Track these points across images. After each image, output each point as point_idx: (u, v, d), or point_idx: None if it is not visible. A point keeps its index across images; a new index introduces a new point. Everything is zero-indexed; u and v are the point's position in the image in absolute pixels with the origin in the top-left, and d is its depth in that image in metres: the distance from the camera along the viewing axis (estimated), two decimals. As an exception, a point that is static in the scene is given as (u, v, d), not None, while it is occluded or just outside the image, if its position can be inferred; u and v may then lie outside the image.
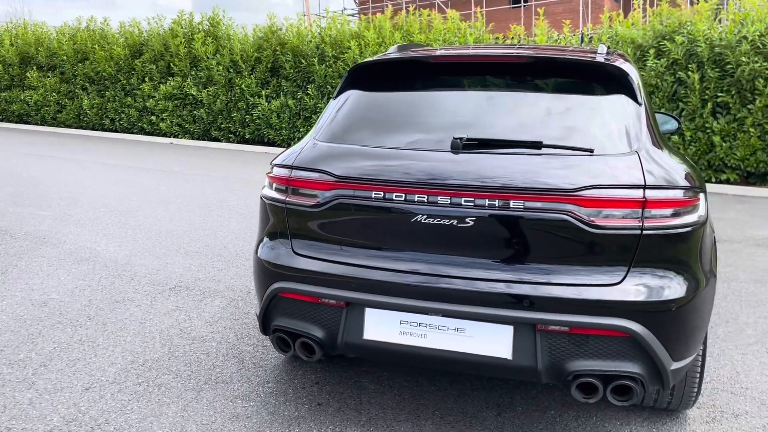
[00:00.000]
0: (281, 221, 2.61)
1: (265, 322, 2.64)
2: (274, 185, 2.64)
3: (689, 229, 2.25)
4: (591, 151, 2.31)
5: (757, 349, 3.51)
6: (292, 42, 12.12)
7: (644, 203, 2.19)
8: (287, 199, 2.57)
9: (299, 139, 11.10)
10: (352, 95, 2.79)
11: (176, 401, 2.92)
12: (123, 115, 14.47)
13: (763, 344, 3.57)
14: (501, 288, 2.26)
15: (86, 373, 3.18)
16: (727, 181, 8.53)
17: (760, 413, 2.84)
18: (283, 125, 12.15)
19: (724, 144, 8.34)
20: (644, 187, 2.20)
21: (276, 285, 2.54)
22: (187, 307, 4.06)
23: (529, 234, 2.26)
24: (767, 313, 4.04)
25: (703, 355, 2.64)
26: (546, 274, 2.26)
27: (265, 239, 2.69)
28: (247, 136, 12.82)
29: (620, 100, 2.52)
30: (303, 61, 11.93)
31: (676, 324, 2.25)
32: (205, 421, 2.76)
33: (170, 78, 13.54)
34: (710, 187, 8.35)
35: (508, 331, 2.27)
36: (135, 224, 6.28)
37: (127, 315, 3.93)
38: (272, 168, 2.68)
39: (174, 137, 13.84)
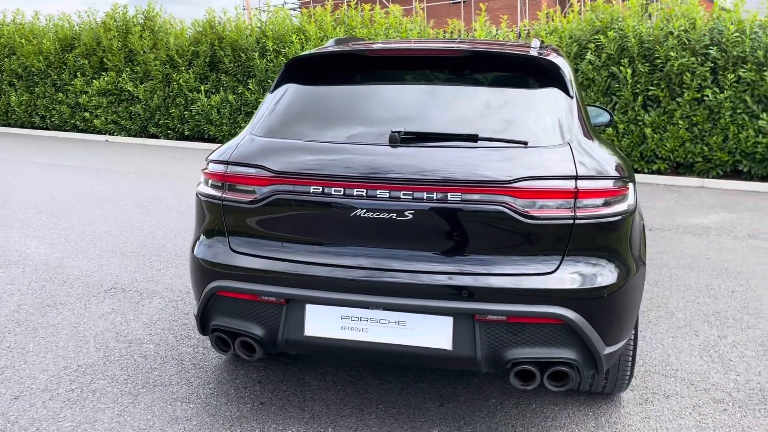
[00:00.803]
0: (218, 218, 2.55)
1: (204, 322, 2.58)
2: (210, 181, 2.58)
3: (619, 217, 2.32)
4: (525, 143, 2.35)
5: (687, 332, 3.67)
6: (231, 36, 11.89)
7: (576, 193, 2.24)
8: (224, 195, 2.51)
9: (241, 135, 10.85)
10: (290, 89, 2.75)
11: (112, 407, 2.83)
12: (54, 112, 13.88)
13: (692, 327, 3.74)
14: (441, 280, 2.28)
15: (15, 382, 3.03)
16: (658, 171, 8.89)
17: (689, 393, 2.97)
18: (224, 121, 11.91)
19: (655, 136, 8.67)
20: (576, 177, 2.25)
21: (213, 284, 2.49)
22: (124, 310, 3.94)
23: (467, 226, 2.29)
24: (696, 298, 4.23)
25: (635, 340, 2.73)
26: (484, 264, 2.29)
27: (202, 237, 2.63)
28: (186, 133, 12.52)
29: (553, 93, 2.57)
30: (243, 55, 11.71)
31: (609, 310, 2.32)
32: (142, 426, 2.68)
33: (104, 73, 13.07)
34: (642, 177, 8.69)
35: (448, 322, 2.29)
36: (68, 225, 6.04)
37: (60, 319, 3.78)
38: (208, 164, 2.62)
39: (109, 134, 13.38)
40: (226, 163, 2.53)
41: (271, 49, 11.41)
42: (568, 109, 2.52)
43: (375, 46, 2.89)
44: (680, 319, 3.85)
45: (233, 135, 11.81)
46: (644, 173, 8.88)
